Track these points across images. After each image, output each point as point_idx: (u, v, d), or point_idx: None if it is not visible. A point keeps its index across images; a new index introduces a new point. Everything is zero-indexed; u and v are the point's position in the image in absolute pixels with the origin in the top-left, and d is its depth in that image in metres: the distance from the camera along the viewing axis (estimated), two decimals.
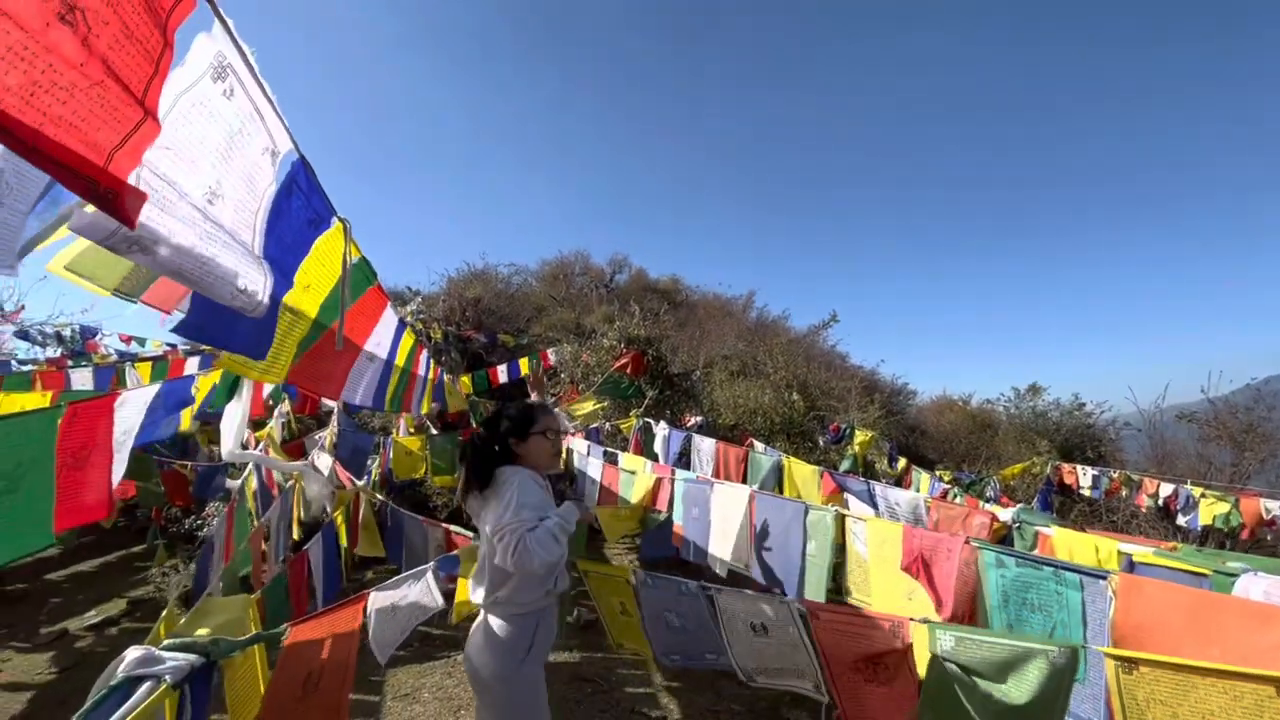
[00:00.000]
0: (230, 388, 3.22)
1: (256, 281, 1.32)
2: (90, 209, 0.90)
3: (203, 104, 1.06)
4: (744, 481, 4.83)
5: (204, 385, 2.98)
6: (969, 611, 2.36)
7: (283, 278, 1.51)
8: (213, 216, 1.13)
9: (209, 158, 1.11)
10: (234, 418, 3.13)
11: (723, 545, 3.41)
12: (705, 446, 5.59)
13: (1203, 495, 6.19)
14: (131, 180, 0.92)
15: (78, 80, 0.77)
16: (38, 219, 1.73)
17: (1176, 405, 9.35)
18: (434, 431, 6.65)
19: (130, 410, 2.33)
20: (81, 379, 6.66)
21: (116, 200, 0.89)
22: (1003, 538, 3.10)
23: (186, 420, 2.96)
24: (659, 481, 4.00)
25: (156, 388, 2.55)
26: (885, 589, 2.75)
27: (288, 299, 1.59)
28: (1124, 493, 7.07)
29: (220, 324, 1.39)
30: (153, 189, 0.96)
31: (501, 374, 9.10)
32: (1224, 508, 5.95)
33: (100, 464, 2.13)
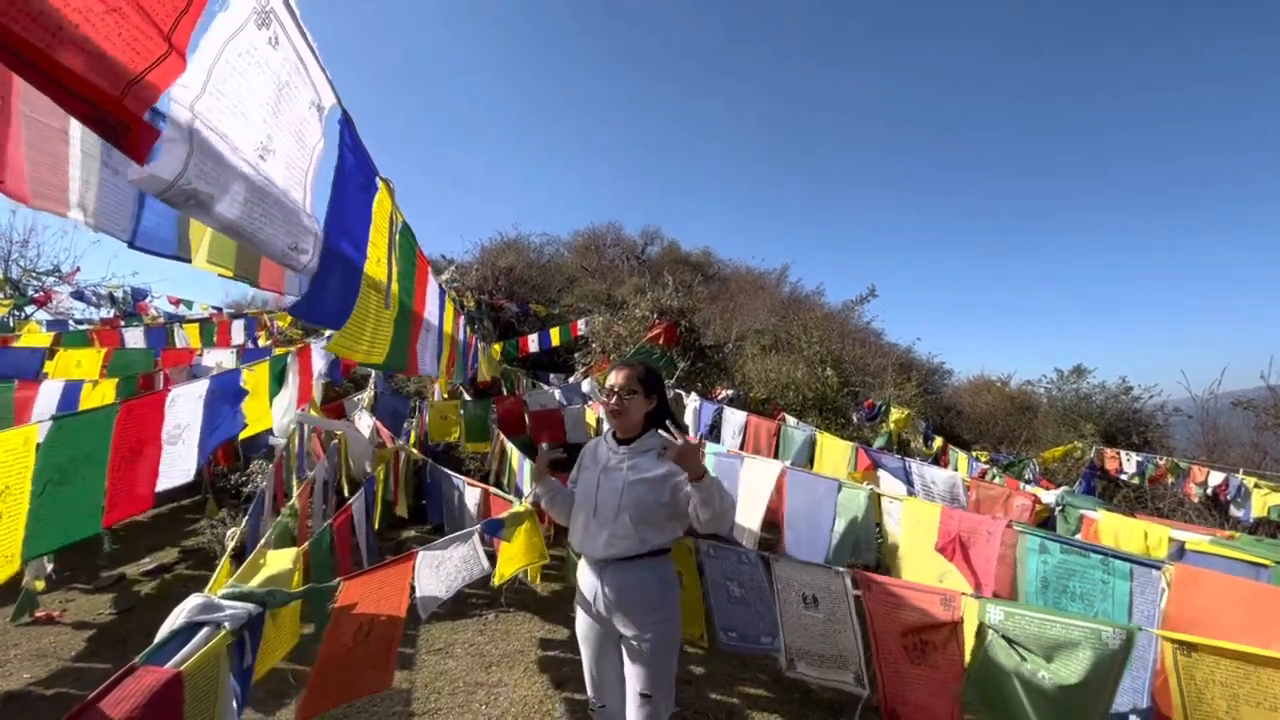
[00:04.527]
0: (280, 376, 3.38)
1: (307, 240, 1.31)
2: (147, 166, 0.88)
3: (249, 52, 1.03)
4: (775, 456, 4.80)
5: (250, 378, 3.12)
6: (1008, 596, 2.31)
7: (353, 247, 1.51)
8: (264, 173, 1.11)
9: (259, 111, 1.08)
10: (282, 402, 3.31)
11: (750, 518, 3.40)
12: (736, 419, 5.55)
13: (1256, 485, 5.95)
14: (181, 126, 0.90)
15: (92, 4, 0.74)
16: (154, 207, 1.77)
17: (1233, 392, 8.91)
18: (467, 397, 6.75)
19: (181, 406, 2.46)
20: (133, 338, 6.96)
21: (127, 134, 0.86)
22: (1044, 521, 3.01)
23: (263, 419, 3.11)
24: None
25: (205, 383, 2.67)
26: (916, 569, 2.71)
27: (366, 269, 1.61)
28: (1170, 480, 6.83)
29: (318, 303, 1.42)
30: (207, 141, 0.94)
31: (532, 343, 9.18)
32: (1279, 498, 5.71)
33: (150, 456, 2.26)
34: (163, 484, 2.36)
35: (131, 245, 1.84)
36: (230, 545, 2.39)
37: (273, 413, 3.35)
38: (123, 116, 0.83)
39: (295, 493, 3.20)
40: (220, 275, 2.32)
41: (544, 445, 2.28)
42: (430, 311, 2.85)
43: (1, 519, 1.72)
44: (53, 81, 0.75)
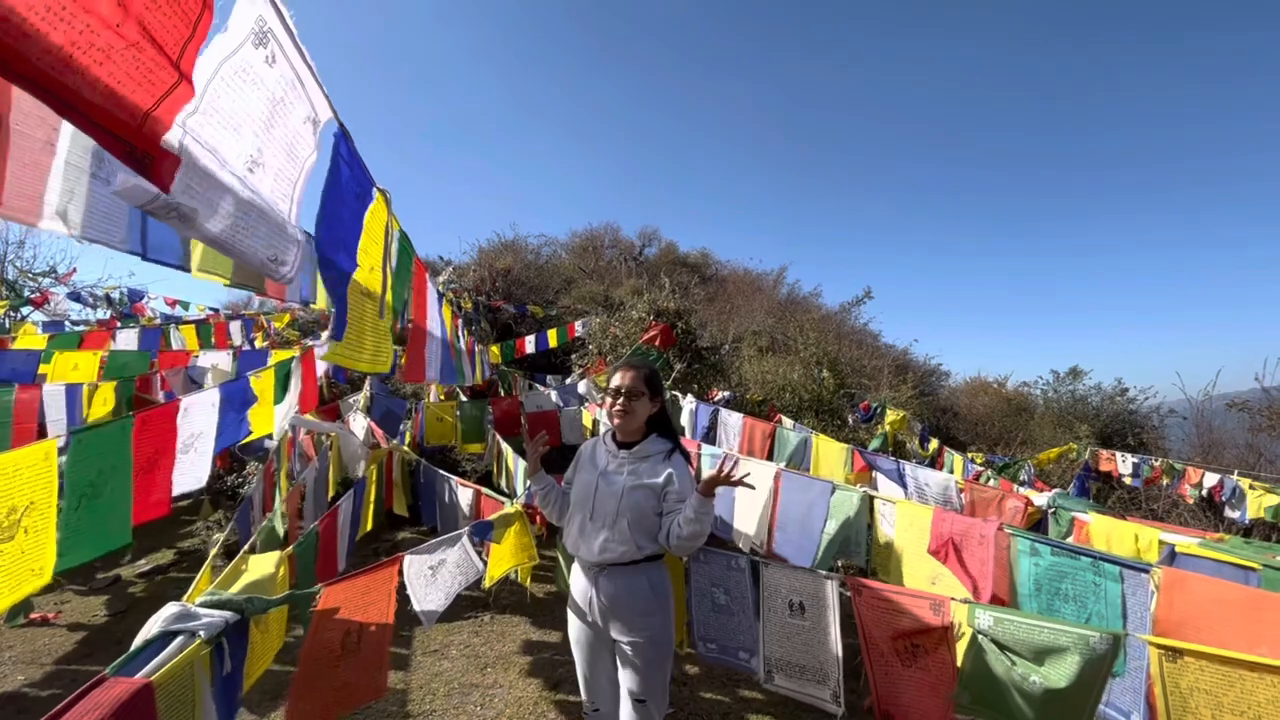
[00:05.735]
0: (284, 382, 3.40)
1: (289, 252, 1.32)
2: (133, 176, 0.90)
3: (245, 71, 1.05)
4: (769, 458, 4.81)
5: (258, 385, 3.15)
6: (1005, 599, 2.33)
7: (347, 257, 1.53)
8: (251, 185, 1.12)
9: (251, 126, 1.10)
10: (283, 407, 3.35)
11: (746, 522, 3.41)
12: (732, 421, 5.56)
13: (1250, 487, 5.97)
14: (173, 144, 0.92)
15: (114, 42, 0.76)
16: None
17: (1228, 394, 8.95)
18: (463, 399, 6.75)
19: (194, 415, 2.52)
20: (126, 340, 6.92)
21: (152, 164, 0.89)
22: (1037, 523, 3.03)
23: (267, 424, 3.13)
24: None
25: (215, 392, 2.70)
26: (911, 572, 2.73)
27: (357, 277, 1.63)
28: (1165, 481, 6.85)
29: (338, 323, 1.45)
30: (195, 156, 0.96)
31: (529, 345, 9.19)
32: (1273, 500, 5.73)
33: (165, 466, 2.34)
34: (177, 490, 2.43)
35: (145, 258, 1.86)
36: (214, 551, 2.40)
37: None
38: (148, 148, 0.86)
39: (284, 495, 3.21)
40: (220, 283, 2.35)
41: (527, 438, 2.31)
42: (431, 319, 2.86)
43: (29, 534, 1.74)
44: (89, 121, 0.78)
